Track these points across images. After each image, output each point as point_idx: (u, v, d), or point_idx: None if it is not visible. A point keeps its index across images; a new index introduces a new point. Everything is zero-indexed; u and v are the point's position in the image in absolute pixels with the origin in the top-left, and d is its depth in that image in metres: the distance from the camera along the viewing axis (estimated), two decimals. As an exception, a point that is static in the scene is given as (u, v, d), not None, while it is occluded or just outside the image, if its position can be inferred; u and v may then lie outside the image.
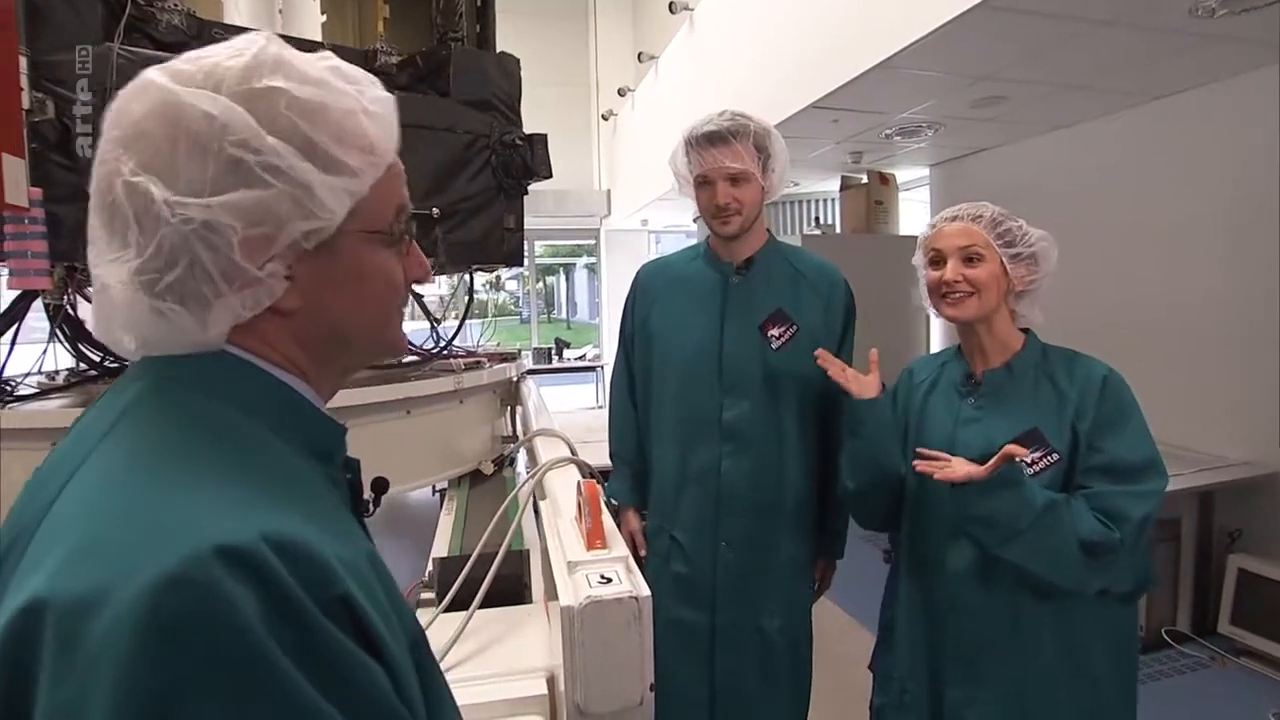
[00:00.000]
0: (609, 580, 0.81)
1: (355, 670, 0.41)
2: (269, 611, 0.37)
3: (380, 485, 0.69)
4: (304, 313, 0.52)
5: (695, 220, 6.91)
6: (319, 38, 2.32)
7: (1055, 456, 1.17)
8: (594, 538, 0.89)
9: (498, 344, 3.47)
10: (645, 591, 0.80)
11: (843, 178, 4.78)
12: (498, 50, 2.44)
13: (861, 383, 1.32)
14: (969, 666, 1.22)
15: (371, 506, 0.64)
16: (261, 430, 0.49)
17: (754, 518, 1.52)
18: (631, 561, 0.88)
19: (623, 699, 0.78)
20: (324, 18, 2.41)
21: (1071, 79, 2.78)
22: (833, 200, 5.81)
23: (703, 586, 1.53)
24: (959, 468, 1.14)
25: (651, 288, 1.67)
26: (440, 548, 1.53)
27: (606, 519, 0.93)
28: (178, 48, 1.82)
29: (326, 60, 0.53)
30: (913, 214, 4.95)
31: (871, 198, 4.52)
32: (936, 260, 1.26)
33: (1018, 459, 1.11)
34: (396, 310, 0.58)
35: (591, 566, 0.84)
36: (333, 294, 0.52)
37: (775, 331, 1.53)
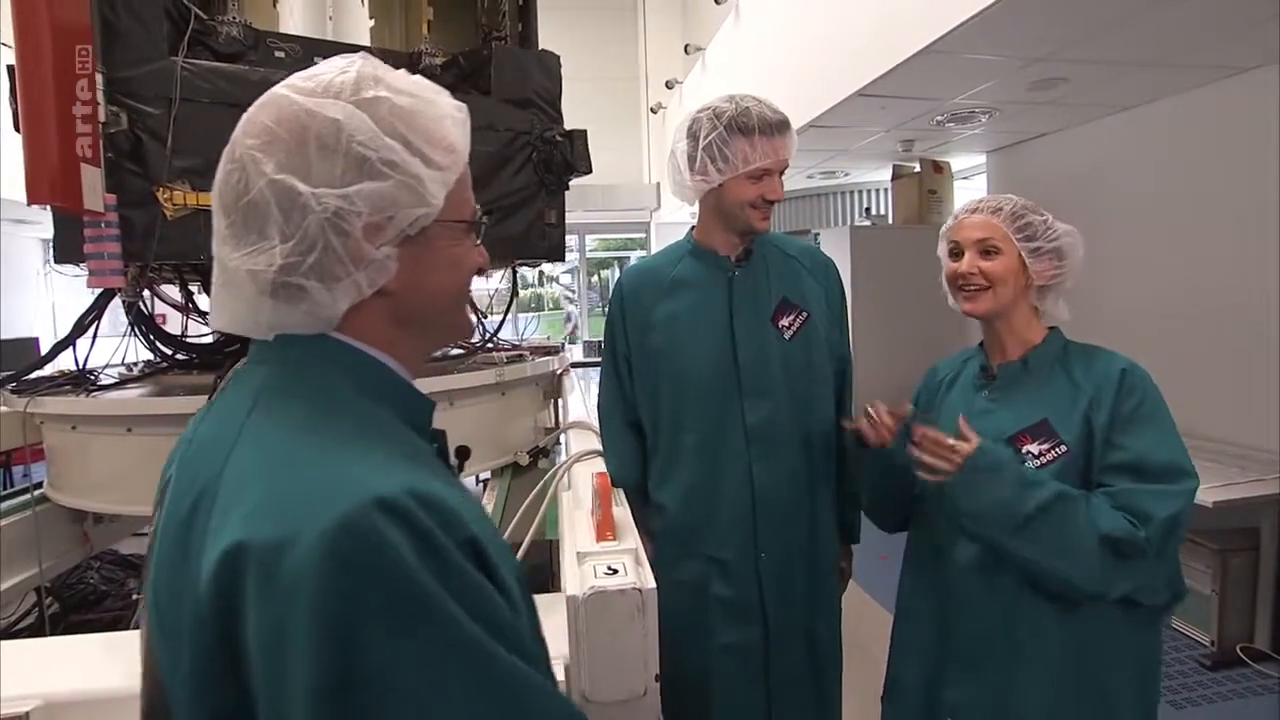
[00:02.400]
0: (615, 571, 0.82)
1: (485, 599, 0.49)
2: (418, 549, 0.46)
3: (462, 453, 0.75)
4: (402, 294, 0.59)
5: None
6: (368, 42, 2.40)
7: (1063, 449, 1.13)
8: (604, 529, 0.91)
9: (548, 336, 3.54)
10: (650, 584, 0.82)
11: (894, 167, 4.65)
12: (540, 48, 2.48)
13: (884, 438, 1.28)
14: (968, 662, 1.19)
15: (456, 472, 0.70)
16: (372, 404, 0.58)
17: (789, 521, 1.47)
18: (641, 554, 0.89)
19: (627, 690, 0.80)
20: (372, 22, 2.49)
21: (1138, 55, 2.62)
22: (884, 190, 5.66)
23: (750, 603, 1.46)
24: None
25: (642, 299, 1.53)
26: (477, 536, 1.57)
27: (618, 511, 0.94)
28: (235, 58, 1.93)
29: (409, 75, 0.61)
30: (970, 203, 4.77)
31: (924, 187, 4.38)
32: (955, 252, 1.24)
33: (1023, 449, 1.07)
34: (467, 295, 0.66)
35: (600, 558, 0.86)
36: (425, 276, 0.60)
37: (785, 321, 1.46)
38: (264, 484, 0.50)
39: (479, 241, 0.66)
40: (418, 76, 0.61)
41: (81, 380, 1.88)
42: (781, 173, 1.44)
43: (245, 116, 0.57)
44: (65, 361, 1.93)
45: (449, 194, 0.60)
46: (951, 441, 1.10)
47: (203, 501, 0.52)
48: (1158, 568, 1.07)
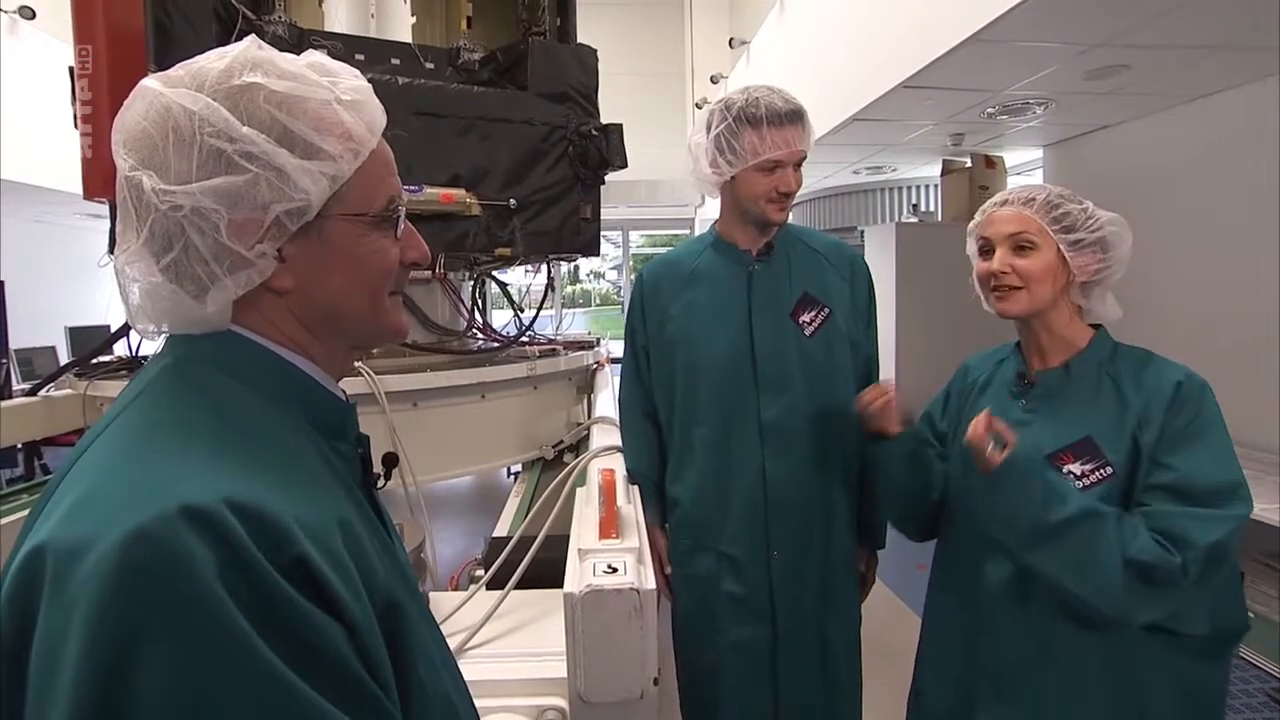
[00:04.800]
0: (614, 570, 0.81)
1: (305, 624, 0.44)
2: (224, 565, 0.42)
3: (390, 460, 0.74)
4: (299, 292, 0.56)
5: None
6: (409, 39, 2.45)
7: (1109, 470, 1.04)
8: (607, 527, 0.90)
9: (589, 332, 3.56)
10: (650, 585, 0.80)
11: (944, 162, 4.50)
12: (579, 43, 2.48)
13: (889, 418, 1.25)
14: (1000, 689, 1.13)
15: (382, 480, 0.68)
16: (259, 402, 0.55)
17: (803, 519, 1.44)
18: (645, 553, 0.87)
19: (623, 691, 0.78)
20: (414, 19, 2.53)
21: (1207, 39, 2.44)
22: (933, 186, 5.48)
23: (760, 601, 1.44)
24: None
25: (662, 290, 1.53)
26: (503, 528, 1.59)
27: (624, 509, 0.93)
28: (280, 57, 1.99)
29: (309, 57, 0.58)
30: (1025, 198, 4.58)
31: (975, 183, 4.22)
32: (986, 250, 1.16)
33: (1064, 469, 1.00)
34: (388, 292, 0.61)
35: (601, 555, 0.85)
36: (324, 274, 0.57)
37: (807, 317, 1.43)
38: (87, 484, 0.47)
39: (411, 232, 0.61)
40: (321, 58, 0.58)
41: (135, 365, 1.97)
42: (798, 164, 1.40)
43: (122, 108, 0.54)
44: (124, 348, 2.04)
45: (348, 185, 0.56)
46: (988, 449, 1.04)
47: (46, 495, 0.51)
48: (1195, 597, 0.99)
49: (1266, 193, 2.89)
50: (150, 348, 2.06)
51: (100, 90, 1.69)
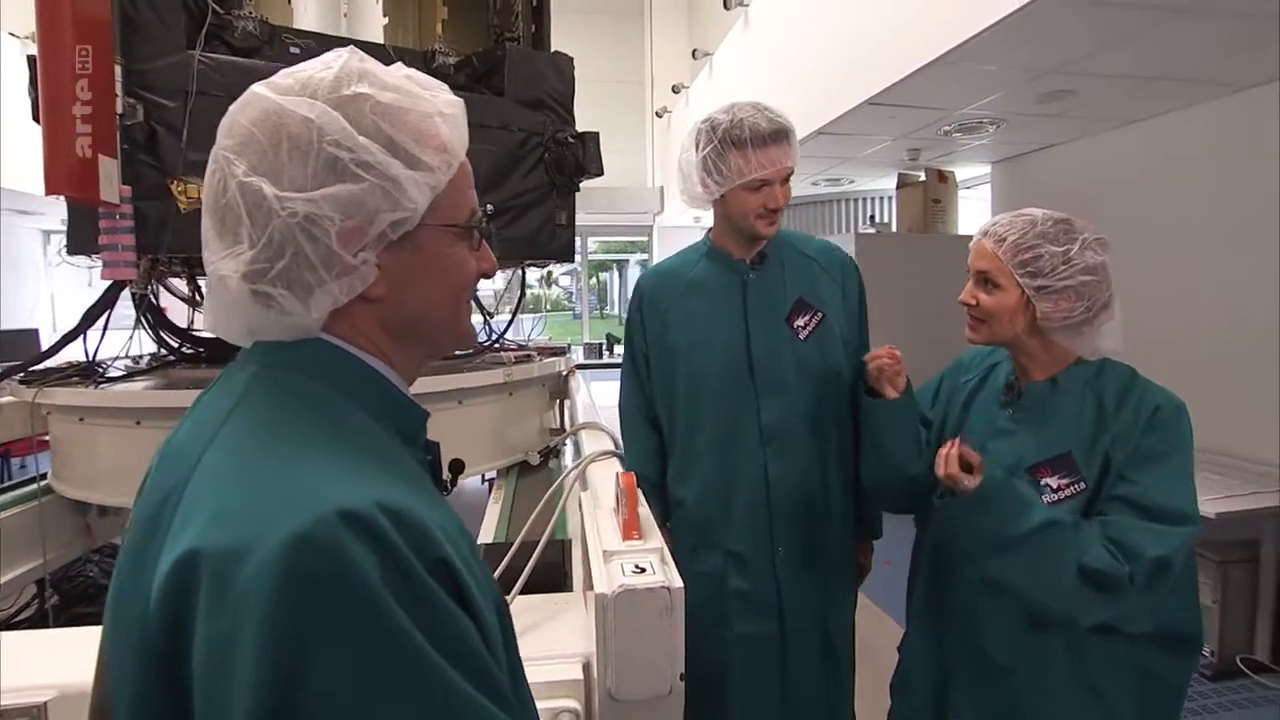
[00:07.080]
0: (643, 570, 0.83)
1: (453, 624, 0.46)
2: (384, 567, 0.43)
3: (456, 466, 0.74)
4: (389, 300, 0.57)
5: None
6: (381, 40, 2.41)
7: (1082, 486, 1.10)
8: (630, 529, 0.92)
9: (549, 338, 3.55)
10: (678, 583, 0.82)
11: (899, 175, 4.68)
12: (552, 50, 2.48)
13: (893, 383, 1.31)
14: (975, 671, 1.19)
15: (449, 486, 0.68)
16: (356, 410, 0.55)
17: (805, 517, 1.49)
18: (666, 553, 0.89)
19: (653, 688, 0.80)
20: (386, 20, 2.50)
21: (1146, 70, 2.65)
22: (888, 198, 5.69)
23: (766, 596, 1.49)
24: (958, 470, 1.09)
25: (660, 299, 1.56)
26: (487, 535, 1.58)
27: (643, 510, 0.95)
28: (251, 53, 1.93)
29: (402, 70, 0.58)
30: (973, 213, 4.80)
31: (929, 196, 4.41)
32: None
33: (1041, 481, 1.07)
34: (466, 302, 0.63)
35: (627, 556, 0.87)
36: (414, 283, 0.57)
37: (801, 322, 1.48)
38: (226, 490, 0.47)
39: (483, 244, 0.62)
40: (412, 71, 0.59)
41: (90, 372, 1.87)
42: (785, 180, 1.43)
43: (227, 115, 0.55)
44: (65, 353, 1.92)
45: (440, 196, 0.57)
46: (961, 476, 1.08)
47: (167, 505, 0.50)
48: (1140, 601, 1.05)
49: (1194, 209, 3.12)
50: (112, 349, 1.96)
51: (60, 84, 1.60)
